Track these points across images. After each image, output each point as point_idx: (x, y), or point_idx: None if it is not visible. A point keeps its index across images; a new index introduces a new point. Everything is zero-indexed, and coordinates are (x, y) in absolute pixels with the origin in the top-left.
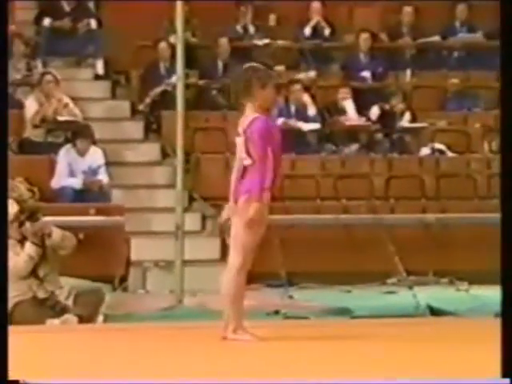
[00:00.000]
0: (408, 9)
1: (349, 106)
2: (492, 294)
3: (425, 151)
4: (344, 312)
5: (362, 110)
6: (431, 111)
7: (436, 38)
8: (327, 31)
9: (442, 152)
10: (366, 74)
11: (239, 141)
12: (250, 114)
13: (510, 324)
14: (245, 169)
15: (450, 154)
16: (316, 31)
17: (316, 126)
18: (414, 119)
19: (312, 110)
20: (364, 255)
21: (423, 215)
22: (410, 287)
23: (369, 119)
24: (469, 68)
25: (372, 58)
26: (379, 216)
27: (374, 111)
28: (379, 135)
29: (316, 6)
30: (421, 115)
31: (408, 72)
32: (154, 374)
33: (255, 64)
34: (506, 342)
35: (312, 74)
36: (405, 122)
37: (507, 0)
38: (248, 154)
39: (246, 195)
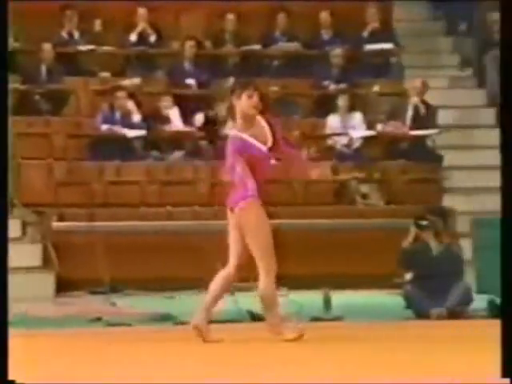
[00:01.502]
0: (230, 16)
1: (173, 113)
2: (308, 298)
3: None
4: (167, 318)
5: (186, 117)
6: None
7: (257, 47)
8: (153, 37)
9: None
10: (191, 81)
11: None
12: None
13: (510, 324)
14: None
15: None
16: (142, 37)
17: (141, 132)
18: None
19: (137, 117)
20: (187, 261)
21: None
22: (232, 293)
23: (193, 126)
24: (288, 76)
25: (196, 65)
26: (203, 222)
27: (199, 118)
28: (203, 142)
29: (142, 11)
30: None
31: (231, 80)
32: None
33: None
34: (506, 342)
35: (137, 80)
36: (227, 130)
37: (507, 0)
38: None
39: (241, 203)
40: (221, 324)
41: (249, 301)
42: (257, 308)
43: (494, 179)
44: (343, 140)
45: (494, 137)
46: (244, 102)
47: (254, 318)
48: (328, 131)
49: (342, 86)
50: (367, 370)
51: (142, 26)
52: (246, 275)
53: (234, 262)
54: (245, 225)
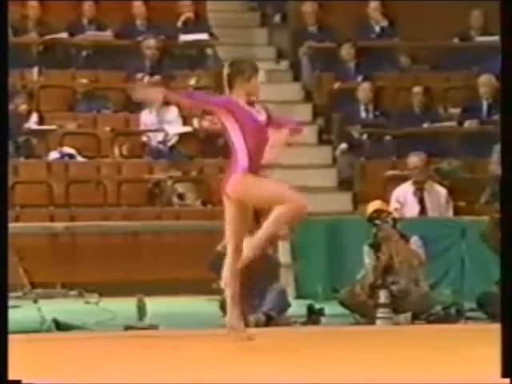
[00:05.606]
0: (34, 3)
1: None
2: (121, 306)
3: (53, 155)
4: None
5: None
6: (60, 112)
7: (64, 35)
8: None
9: (71, 156)
10: None
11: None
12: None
13: (510, 325)
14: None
15: (79, 158)
16: None
17: None
18: (41, 121)
19: None
20: None
21: (51, 224)
22: (35, 301)
23: None
24: (98, 67)
25: None
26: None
27: None
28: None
29: None
30: (49, 117)
31: (35, 70)
32: None
33: (239, 58)
34: (506, 342)
35: None
36: (32, 123)
37: (507, 0)
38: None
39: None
40: (23, 334)
41: (54, 308)
42: (65, 317)
43: (312, 178)
44: (158, 137)
45: (310, 134)
46: (254, 84)
47: (60, 327)
48: (142, 127)
49: (157, 78)
50: None
51: None
52: (51, 281)
53: (232, 247)
54: (244, 192)
